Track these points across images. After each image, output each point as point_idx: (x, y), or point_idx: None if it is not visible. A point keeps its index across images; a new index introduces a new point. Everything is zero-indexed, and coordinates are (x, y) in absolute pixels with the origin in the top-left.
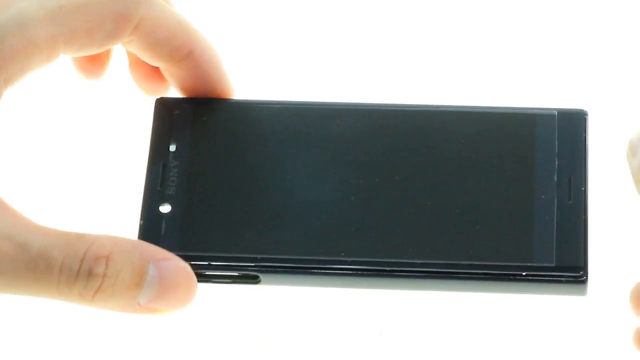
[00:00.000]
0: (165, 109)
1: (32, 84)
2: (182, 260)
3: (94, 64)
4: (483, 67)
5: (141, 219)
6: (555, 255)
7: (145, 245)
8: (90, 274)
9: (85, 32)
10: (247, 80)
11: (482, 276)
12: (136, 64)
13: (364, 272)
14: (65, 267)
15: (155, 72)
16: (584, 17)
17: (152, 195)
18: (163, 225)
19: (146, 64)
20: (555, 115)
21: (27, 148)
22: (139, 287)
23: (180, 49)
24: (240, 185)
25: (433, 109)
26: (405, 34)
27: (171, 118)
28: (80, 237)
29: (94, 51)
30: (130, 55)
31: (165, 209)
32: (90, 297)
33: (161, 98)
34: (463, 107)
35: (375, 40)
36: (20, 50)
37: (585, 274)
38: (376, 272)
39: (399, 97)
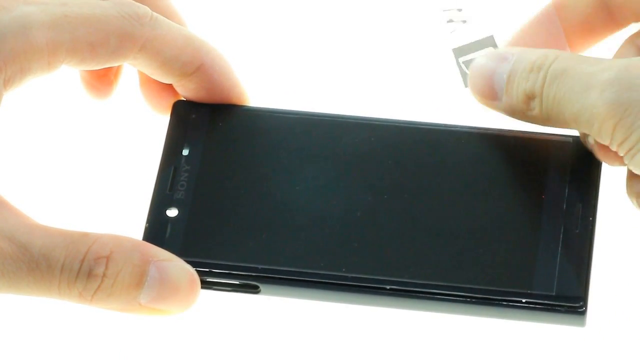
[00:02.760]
0: (182, 112)
1: (41, 86)
2: (184, 262)
3: (102, 82)
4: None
5: (147, 222)
6: (555, 284)
7: (146, 245)
8: (90, 274)
9: (89, 45)
10: (265, 87)
11: (481, 301)
12: (147, 81)
13: (364, 289)
14: (66, 267)
15: (165, 90)
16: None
17: (161, 198)
18: (168, 229)
19: (157, 81)
20: (570, 142)
21: (38, 149)
22: (139, 287)
23: (190, 64)
24: (247, 193)
25: (448, 128)
26: (425, 49)
27: (187, 122)
28: (83, 236)
29: (97, 66)
30: (141, 73)
31: (172, 212)
32: (90, 297)
33: (179, 101)
34: (477, 127)
35: (398, 58)
36: (20, 52)
37: (585, 305)
38: (375, 290)
39: (417, 114)
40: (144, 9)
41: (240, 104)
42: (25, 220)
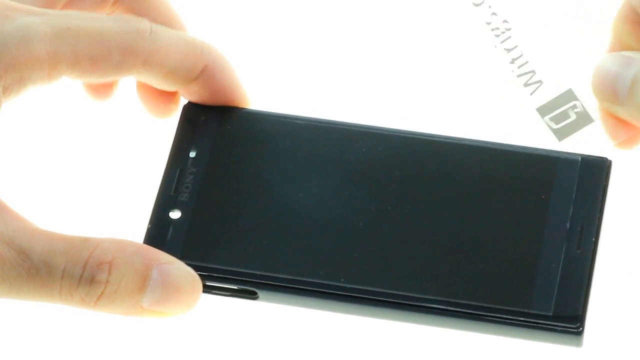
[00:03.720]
0: (191, 114)
1: (43, 87)
2: (185, 265)
3: (103, 84)
4: (510, 104)
5: (149, 223)
6: (554, 304)
7: (148, 249)
8: (92, 281)
9: (90, 59)
10: (272, 91)
11: (478, 317)
12: (143, 87)
13: (361, 300)
14: (67, 273)
15: (163, 94)
16: None
17: (164, 200)
18: (170, 231)
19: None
20: (578, 160)
21: (39, 151)
22: (141, 291)
23: (194, 69)
24: (251, 199)
25: (454, 141)
26: (434, 62)
27: (196, 124)
28: (84, 241)
29: (98, 80)
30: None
31: (175, 215)
32: (93, 303)
33: (189, 103)
34: (485, 142)
35: (407, 69)
36: (21, 61)
37: (582, 325)
38: (373, 302)
39: (423, 126)
40: (144, 23)
41: (242, 105)
42: (26, 225)
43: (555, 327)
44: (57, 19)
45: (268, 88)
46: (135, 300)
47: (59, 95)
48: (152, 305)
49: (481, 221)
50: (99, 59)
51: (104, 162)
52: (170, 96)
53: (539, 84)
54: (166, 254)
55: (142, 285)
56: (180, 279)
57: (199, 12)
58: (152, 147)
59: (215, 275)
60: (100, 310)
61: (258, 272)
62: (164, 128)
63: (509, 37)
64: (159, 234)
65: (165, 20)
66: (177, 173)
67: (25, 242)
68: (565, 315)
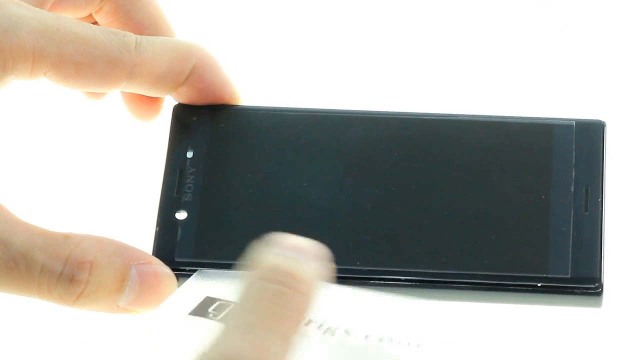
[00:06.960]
0: (183, 115)
1: (40, 89)
2: (162, 264)
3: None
4: (501, 76)
5: (157, 225)
6: (570, 267)
7: (127, 248)
8: (72, 280)
9: (73, 65)
10: (264, 87)
11: (497, 287)
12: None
13: (379, 281)
14: (46, 269)
15: (147, 98)
16: (606, 28)
17: (168, 202)
18: (179, 232)
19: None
20: (573, 125)
21: (39, 154)
22: (119, 292)
23: (181, 74)
24: (255, 193)
25: (451, 118)
26: (423, 42)
27: (189, 124)
28: (65, 238)
29: (81, 88)
30: None
31: (181, 215)
32: (72, 301)
33: (179, 104)
34: (480, 116)
35: (395, 50)
36: (7, 48)
37: (601, 285)
38: (391, 282)
39: (417, 106)
40: (129, 37)
41: (233, 102)
42: (7, 217)
43: (575, 289)
44: (48, 18)
45: (256, 83)
46: (112, 300)
47: (55, 96)
48: (127, 305)
49: (487, 193)
50: (83, 66)
51: (96, 164)
52: (155, 99)
53: None
54: (145, 253)
55: (120, 286)
56: (157, 280)
57: (186, 8)
58: (143, 149)
59: (229, 271)
60: (78, 307)
61: None
62: (152, 130)
63: None
64: (168, 235)
65: (152, 19)
66: (177, 174)
67: (6, 234)
68: (583, 276)
